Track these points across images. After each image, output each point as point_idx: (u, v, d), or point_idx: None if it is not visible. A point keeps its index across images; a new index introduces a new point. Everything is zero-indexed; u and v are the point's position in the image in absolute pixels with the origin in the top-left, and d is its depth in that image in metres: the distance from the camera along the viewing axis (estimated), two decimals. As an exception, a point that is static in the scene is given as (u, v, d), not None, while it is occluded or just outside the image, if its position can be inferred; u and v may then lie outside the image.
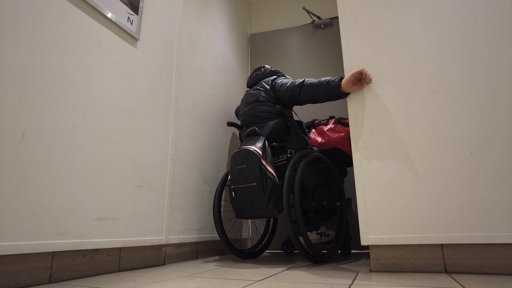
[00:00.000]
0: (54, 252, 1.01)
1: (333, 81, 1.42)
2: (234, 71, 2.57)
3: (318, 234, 1.65)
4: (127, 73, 1.40)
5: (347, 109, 2.45)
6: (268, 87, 1.71)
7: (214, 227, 1.93)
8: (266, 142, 1.54)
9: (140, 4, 1.53)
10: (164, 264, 1.48)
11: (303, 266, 1.32)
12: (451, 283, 0.84)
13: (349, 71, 1.32)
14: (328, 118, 1.89)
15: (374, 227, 1.13)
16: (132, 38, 1.45)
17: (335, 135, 1.73)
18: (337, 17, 2.65)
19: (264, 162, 1.44)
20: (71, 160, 1.10)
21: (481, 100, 1.10)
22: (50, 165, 1.03)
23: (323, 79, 1.48)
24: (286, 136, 1.60)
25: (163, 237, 1.49)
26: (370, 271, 1.12)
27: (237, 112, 2.14)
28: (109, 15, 1.32)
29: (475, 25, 1.16)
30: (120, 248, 1.26)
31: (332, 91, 1.41)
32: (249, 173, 1.45)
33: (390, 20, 1.28)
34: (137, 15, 1.50)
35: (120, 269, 1.25)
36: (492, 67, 1.11)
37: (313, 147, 1.74)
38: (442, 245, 1.05)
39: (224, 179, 1.70)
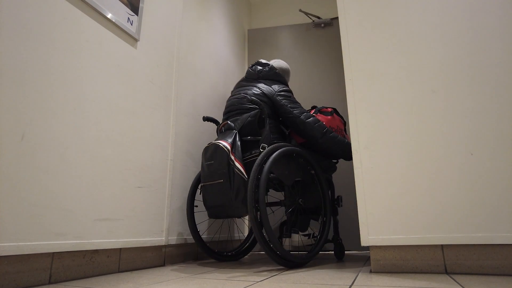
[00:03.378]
0: (54, 253, 1.01)
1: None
2: (234, 72, 2.57)
3: (305, 235, 1.53)
4: (127, 73, 1.40)
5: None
6: (266, 93, 1.61)
7: (214, 228, 1.93)
8: (237, 136, 1.45)
9: (140, 4, 1.53)
10: (164, 265, 1.48)
11: (304, 267, 1.32)
12: (451, 284, 0.84)
13: (349, 71, 1.32)
14: (310, 108, 1.76)
15: (374, 228, 1.13)
16: (132, 39, 1.45)
17: None
18: (337, 18, 2.65)
19: (232, 158, 1.36)
20: (71, 161, 1.10)
21: (481, 100, 1.10)
22: (50, 165, 1.03)
23: (341, 138, 1.56)
24: (260, 129, 1.51)
25: (163, 238, 1.49)
26: (371, 271, 1.12)
27: None
28: (109, 15, 1.32)
29: (475, 25, 1.16)
30: (120, 249, 1.26)
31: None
32: (217, 170, 1.38)
33: (391, 21, 1.28)
34: (137, 15, 1.50)
35: (120, 270, 1.25)
36: (492, 67, 1.11)
37: (292, 140, 1.64)
38: (442, 245, 1.05)
39: (198, 177, 1.64)
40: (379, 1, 1.32)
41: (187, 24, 1.93)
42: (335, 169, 1.74)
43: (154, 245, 1.42)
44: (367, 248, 2.07)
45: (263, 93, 1.61)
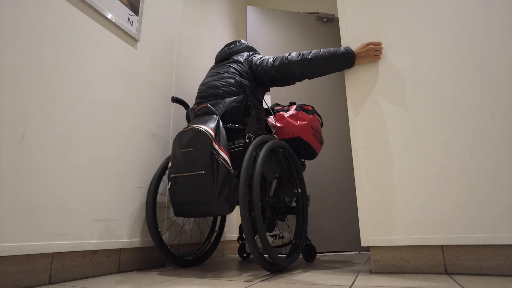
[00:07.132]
0: (53, 253, 1.01)
1: (347, 53, 1.27)
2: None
3: (272, 236, 1.41)
4: (127, 74, 1.40)
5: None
6: (242, 60, 1.46)
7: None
8: (221, 123, 1.25)
9: (140, 5, 1.53)
10: (164, 265, 1.48)
11: (303, 267, 1.32)
12: (451, 284, 0.84)
13: (348, 72, 1.31)
14: (288, 104, 1.67)
15: (374, 228, 1.13)
16: (132, 39, 1.46)
17: (297, 123, 1.51)
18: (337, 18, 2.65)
19: (216, 146, 1.16)
20: (71, 161, 1.10)
21: (481, 100, 1.10)
22: (50, 166, 1.03)
23: (326, 52, 1.32)
24: (245, 117, 1.34)
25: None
26: (371, 272, 1.12)
27: None
28: (109, 16, 1.32)
29: (475, 26, 1.16)
30: (120, 249, 1.26)
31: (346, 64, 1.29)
32: (197, 159, 1.15)
33: (390, 21, 1.28)
34: (137, 16, 1.50)
35: (120, 270, 1.25)
36: (492, 67, 1.11)
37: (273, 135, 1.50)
38: (442, 246, 1.05)
39: (163, 168, 1.37)
40: (380, 2, 1.32)
41: (187, 24, 1.93)
42: (304, 167, 1.68)
43: (154, 245, 1.42)
44: (367, 248, 2.07)
45: (240, 62, 1.46)
